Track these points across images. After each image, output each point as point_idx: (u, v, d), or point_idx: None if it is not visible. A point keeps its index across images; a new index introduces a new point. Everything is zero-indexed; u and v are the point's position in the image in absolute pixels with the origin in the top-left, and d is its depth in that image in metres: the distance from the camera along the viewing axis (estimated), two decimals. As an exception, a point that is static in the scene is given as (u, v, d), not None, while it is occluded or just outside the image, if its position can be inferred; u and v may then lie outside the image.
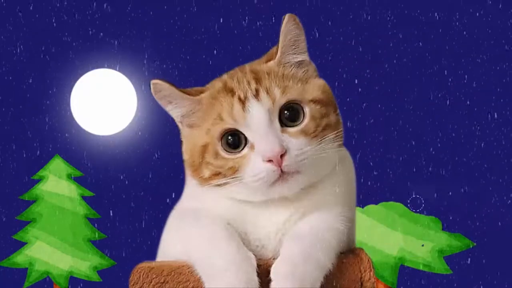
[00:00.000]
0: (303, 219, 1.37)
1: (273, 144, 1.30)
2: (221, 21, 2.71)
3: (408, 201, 2.52)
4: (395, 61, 2.66)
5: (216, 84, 1.40)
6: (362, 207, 2.53)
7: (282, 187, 1.33)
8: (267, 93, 1.34)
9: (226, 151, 1.35)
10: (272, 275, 1.29)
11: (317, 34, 2.54)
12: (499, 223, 2.60)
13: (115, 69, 2.79)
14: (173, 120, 1.43)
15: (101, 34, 2.78)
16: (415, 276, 2.60)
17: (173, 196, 1.50)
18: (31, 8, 2.78)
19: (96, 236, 2.99)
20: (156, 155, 2.74)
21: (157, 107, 1.43)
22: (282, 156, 1.30)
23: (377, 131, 2.64)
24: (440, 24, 2.64)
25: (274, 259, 1.32)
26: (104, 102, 2.82)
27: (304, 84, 1.39)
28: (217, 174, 1.36)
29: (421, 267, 2.60)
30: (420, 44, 2.66)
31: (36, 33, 2.79)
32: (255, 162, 1.32)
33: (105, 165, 2.81)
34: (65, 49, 2.79)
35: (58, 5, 2.78)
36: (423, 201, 2.53)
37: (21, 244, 2.98)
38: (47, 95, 2.82)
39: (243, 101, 1.34)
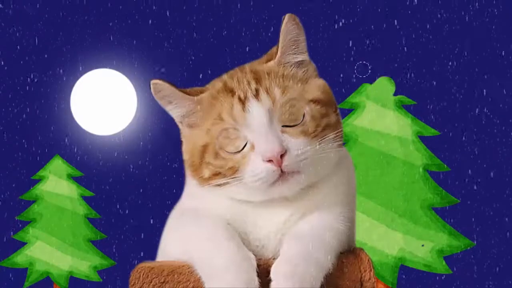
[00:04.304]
0: (303, 219, 1.37)
1: (273, 144, 1.30)
2: (222, 21, 2.71)
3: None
4: (394, 61, 2.66)
5: (216, 84, 1.40)
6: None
7: (282, 187, 1.33)
8: (267, 93, 1.34)
9: (226, 151, 1.35)
10: (272, 275, 1.28)
11: (317, 34, 2.54)
12: (499, 223, 2.60)
13: (115, 69, 2.79)
14: (173, 120, 1.43)
15: (101, 34, 2.78)
16: (415, 276, 2.60)
17: (173, 196, 1.50)
18: (31, 8, 2.78)
19: (96, 236, 2.99)
20: (156, 155, 2.74)
21: (157, 107, 1.43)
22: (282, 156, 1.30)
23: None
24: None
25: (274, 259, 1.32)
26: (104, 102, 2.82)
27: (304, 84, 1.38)
28: (217, 174, 1.36)
29: (421, 267, 2.60)
30: (421, 44, 2.66)
31: (36, 33, 2.80)
32: (255, 162, 1.32)
33: (105, 165, 2.82)
34: (65, 49, 2.80)
35: (58, 5, 2.78)
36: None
37: (21, 244, 2.98)
38: (47, 95, 2.82)
39: (243, 101, 1.34)
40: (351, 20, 2.66)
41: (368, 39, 2.66)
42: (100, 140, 2.82)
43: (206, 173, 1.37)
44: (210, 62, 2.67)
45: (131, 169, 2.78)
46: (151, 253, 1.51)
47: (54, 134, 2.83)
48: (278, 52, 1.39)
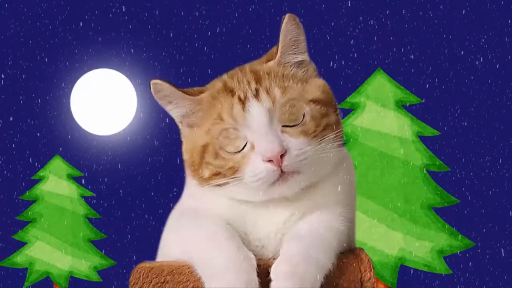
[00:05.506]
0: (303, 219, 1.37)
1: (273, 144, 1.30)
2: (221, 21, 2.71)
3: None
4: (395, 60, 2.66)
5: (216, 84, 1.40)
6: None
7: (282, 187, 1.33)
8: (267, 93, 1.34)
9: (226, 151, 1.35)
10: (272, 275, 1.28)
11: (317, 34, 2.54)
12: (499, 223, 2.60)
13: (115, 69, 2.79)
14: (173, 120, 1.43)
15: (101, 34, 2.78)
16: (415, 276, 2.60)
17: (173, 196, 1.50)
18: (31, 8, 2.78)
19: (96, 236, 2.99)
20: (155, 155, 2.74)
21: (157, 107, 1.43)
22: (282, 156, 1.30)
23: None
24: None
25: (274, 259, 1.32)
26: (104, 102, 2.82)
27: (304, 84, 1.38)
28: (217, 174, 1.36)
29: (421, 267, 2.60)
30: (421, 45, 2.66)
31: (36, 33, 2.80)
32: (255, 162, 1.32)
33: (105, 165, 2.82)
34: (65, 49, 2.80)
35: (58, 6, 2.78)
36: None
37: (21, 244, 2.98)
38: (47, 95, 2.83)
39: (243, 101, 1.34)
40: (351, 20, 2.66)
41: (369, 39, 2.66)
42: (100, 140, 2.82)
43: (206, 173, 1.37)
44: (210, 62, 2.67)
45: (131, 169, 2.78)
46: (151, 253, 1.51)
47: (54, 134, 2.84)
48: (278, 52, 1.39)
